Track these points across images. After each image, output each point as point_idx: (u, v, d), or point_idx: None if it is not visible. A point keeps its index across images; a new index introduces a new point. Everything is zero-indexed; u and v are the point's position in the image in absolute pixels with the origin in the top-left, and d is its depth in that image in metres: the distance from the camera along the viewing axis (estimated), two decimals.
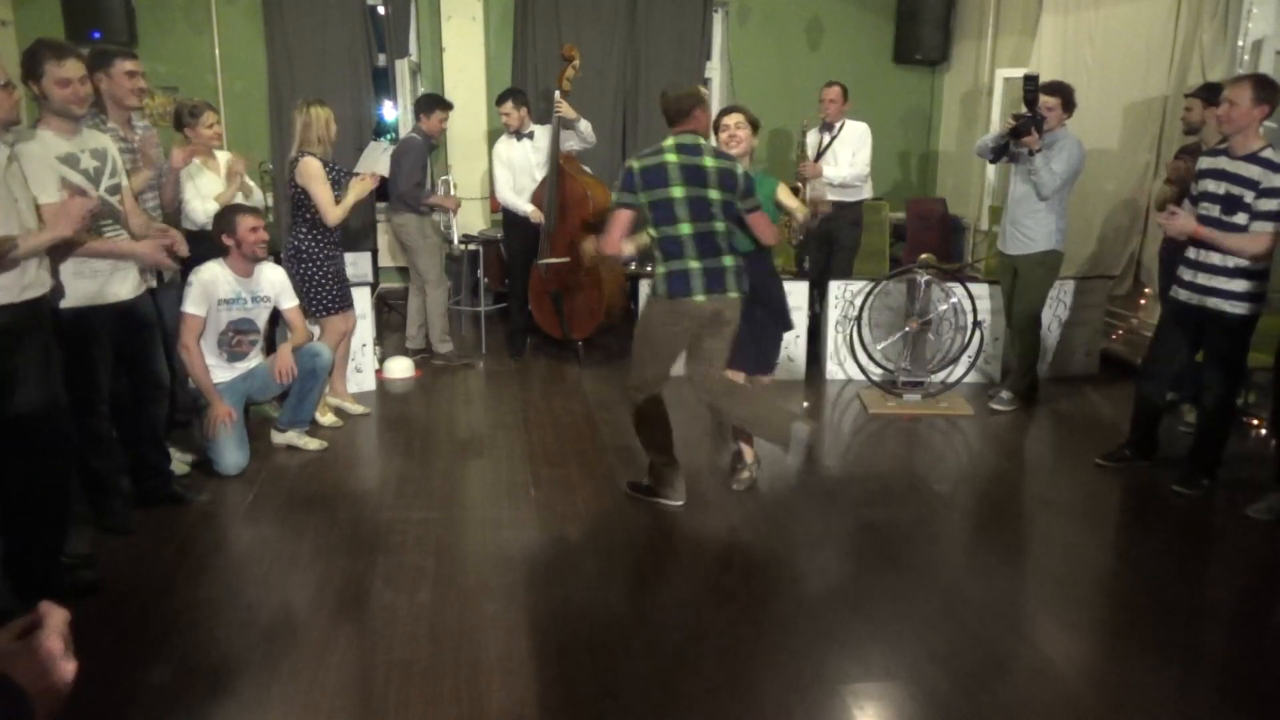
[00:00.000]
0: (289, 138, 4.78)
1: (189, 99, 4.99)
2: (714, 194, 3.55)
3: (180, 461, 4.15)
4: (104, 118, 3.73)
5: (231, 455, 4.12)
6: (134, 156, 3.86)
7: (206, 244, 4.16)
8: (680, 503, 3.83)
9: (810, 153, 5.82)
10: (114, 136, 3.72)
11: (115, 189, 3.42)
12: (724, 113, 3.94)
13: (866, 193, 6.03)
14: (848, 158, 5.73)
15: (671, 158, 3.54)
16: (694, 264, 3.56)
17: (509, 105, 5.84)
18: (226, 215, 4.13)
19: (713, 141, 3.80)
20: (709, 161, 3.56)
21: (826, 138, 5.77)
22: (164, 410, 3.82)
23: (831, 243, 5.87)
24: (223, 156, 4.77)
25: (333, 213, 4.54)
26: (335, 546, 3.49)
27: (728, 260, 3.62)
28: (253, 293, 4.22)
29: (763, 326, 3.95)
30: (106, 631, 2.90)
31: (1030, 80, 4.76)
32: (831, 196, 5.72)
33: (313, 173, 4.50)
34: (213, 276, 4.08)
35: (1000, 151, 5.00)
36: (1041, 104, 4.77)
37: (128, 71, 3.70)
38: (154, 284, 3.84)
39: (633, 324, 4.20)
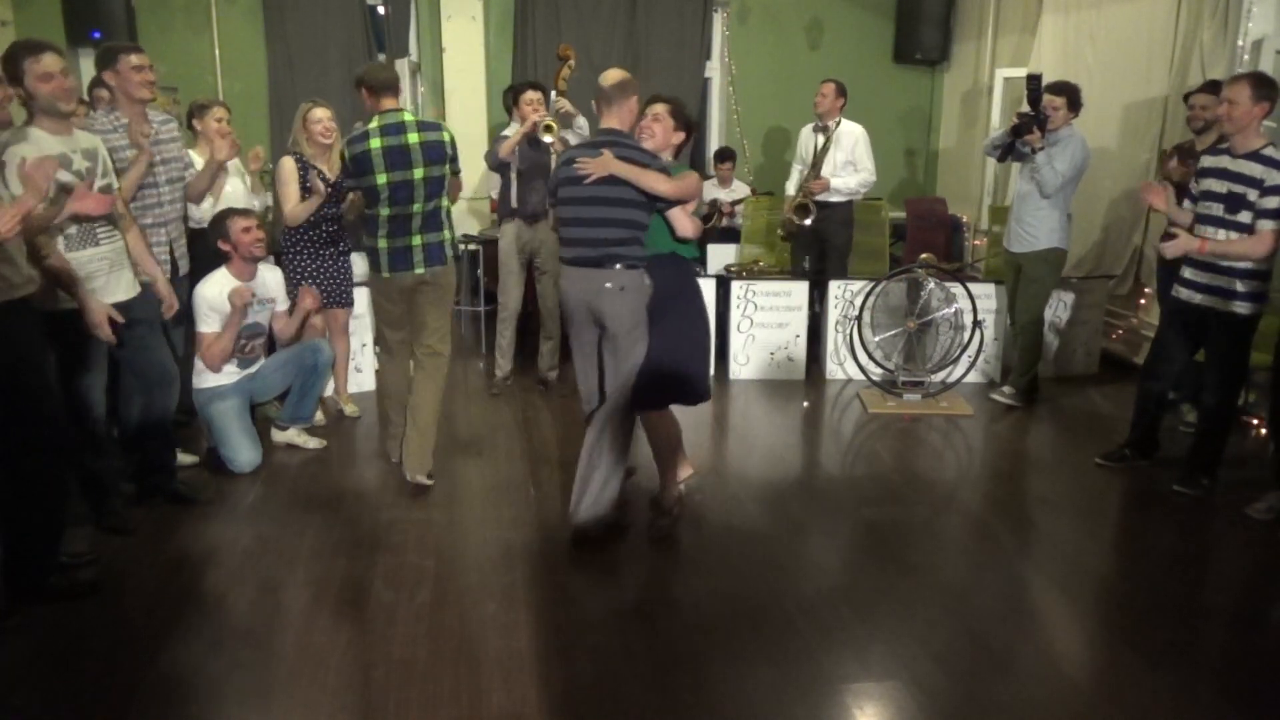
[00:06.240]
0: (289, 137, 4.78)
1: (201, 97, 5.01)
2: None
3: (184, 456, 4.18)
4: (119, 114, 3.73)
5: (246, 453, 4.13)
6: (155, 148, 3.82)
7: (210, 243, 4.14)
8: None
9: (806, 154, 5.80)
10: (128, 131, 3.72)
11: (107, 189, 3.41)
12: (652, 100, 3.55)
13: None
14: (844, 160, 5.71)
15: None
16: None
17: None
18: (219, 222, 4.10)
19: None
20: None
21: (822, 138, 5.76)
22: (172, 403, 3.79)
23: (823, 242, 5.85)
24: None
25: (286, 212, 4.51)
26: (335, 546, 3.49)
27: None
28: (258, 296, 4.23)
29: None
30: (106, 631, 2.90)
31: (1033, 79, 4.78)
32: (827, 197, 5.71)
33: (278, 172, 4.56)
34: (218, 291, 4.05)
35: (1008, 150, 5.02)
36: (1047, 103, 4.79)
37: (134, 66, 3.67)
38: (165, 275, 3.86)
39: None
